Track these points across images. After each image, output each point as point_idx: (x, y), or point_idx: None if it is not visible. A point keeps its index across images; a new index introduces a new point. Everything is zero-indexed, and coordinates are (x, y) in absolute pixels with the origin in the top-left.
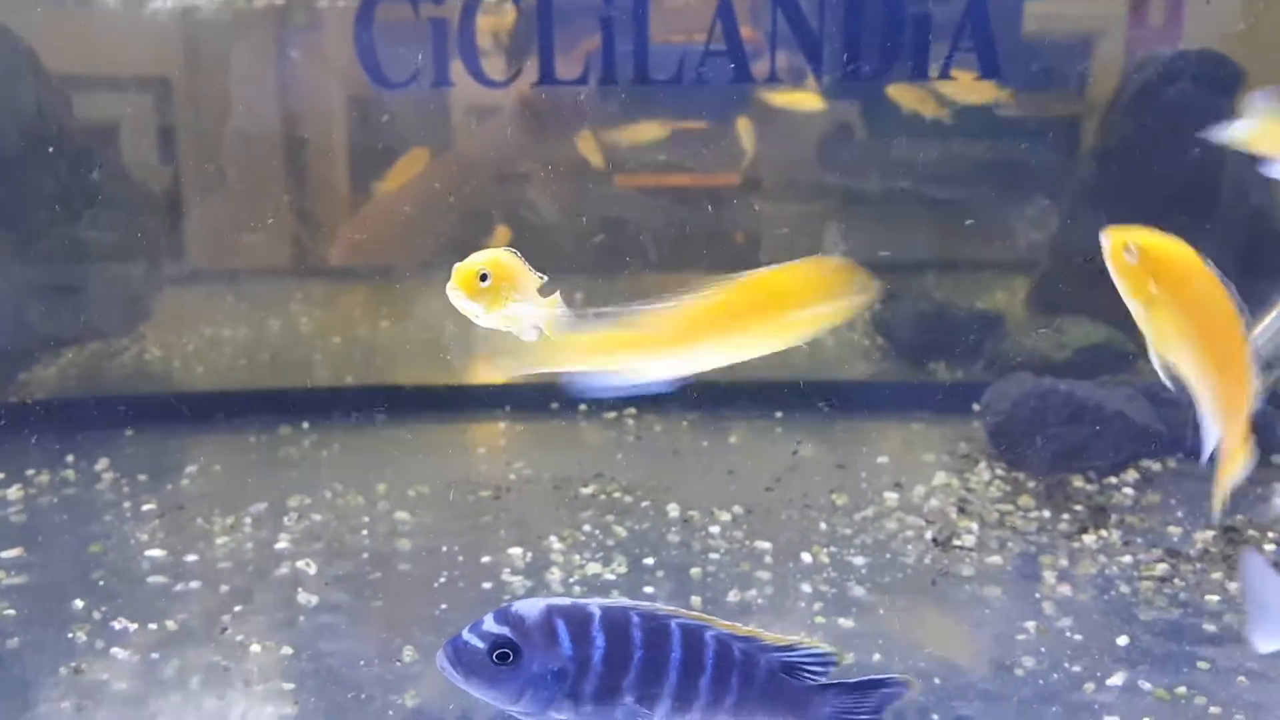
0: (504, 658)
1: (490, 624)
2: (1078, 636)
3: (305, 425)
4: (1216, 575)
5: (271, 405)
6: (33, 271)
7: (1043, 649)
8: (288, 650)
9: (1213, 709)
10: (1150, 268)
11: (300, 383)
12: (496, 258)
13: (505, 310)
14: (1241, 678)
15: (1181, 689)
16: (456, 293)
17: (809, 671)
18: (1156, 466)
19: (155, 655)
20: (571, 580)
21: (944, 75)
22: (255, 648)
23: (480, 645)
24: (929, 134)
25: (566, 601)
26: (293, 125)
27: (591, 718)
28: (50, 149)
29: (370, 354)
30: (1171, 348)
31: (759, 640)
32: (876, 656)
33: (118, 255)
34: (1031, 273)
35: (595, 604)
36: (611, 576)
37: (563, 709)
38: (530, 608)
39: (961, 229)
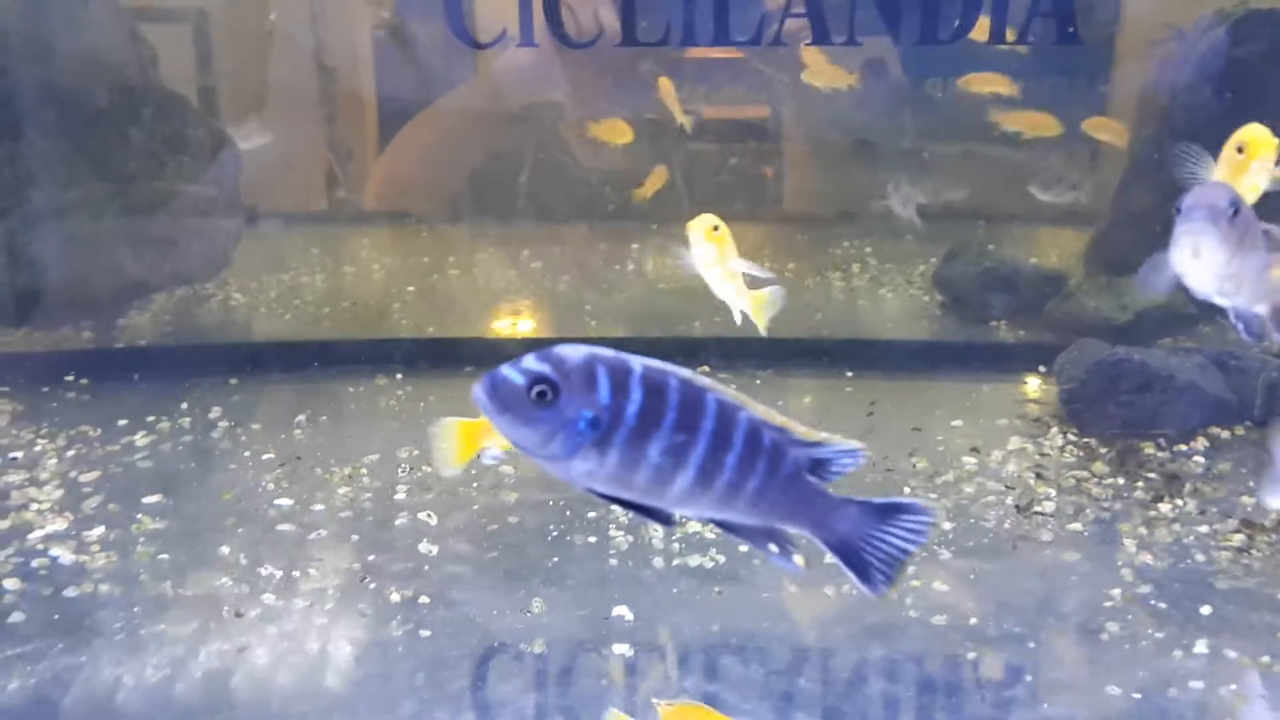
0: (542, 396)
1: (531, 361)
2: (1161, 604)
3: (399, 376)
4: None
5: (360, 354)
6: (122, 219)
7: (1129, 615)
8: (425, 599)
9: None
10: None
11: (383, 333)
12: (717, 220)
13: (730, 265)
14: None
15: (1266, 659)
16: (696, 234)
17: (836, 467)
18: (1225, 434)
19: (301, 601)
20: (674, 537)
21: (1021, 40)
22: (395, 596)
23: (520, 381)
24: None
25: (610, 352)
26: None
27: (615, 472)
28: (138, 100)
29: (449, 304)
30: None
31: (790, 432)
32: (973, 620)
33: (199, 202)
34: (1090, 229)
35: (637, 360)
36: (710, 535)
37: (589, 458)
38: (573, 351)
39: (1014, 183)
